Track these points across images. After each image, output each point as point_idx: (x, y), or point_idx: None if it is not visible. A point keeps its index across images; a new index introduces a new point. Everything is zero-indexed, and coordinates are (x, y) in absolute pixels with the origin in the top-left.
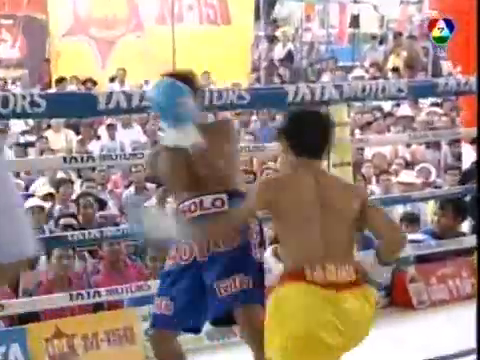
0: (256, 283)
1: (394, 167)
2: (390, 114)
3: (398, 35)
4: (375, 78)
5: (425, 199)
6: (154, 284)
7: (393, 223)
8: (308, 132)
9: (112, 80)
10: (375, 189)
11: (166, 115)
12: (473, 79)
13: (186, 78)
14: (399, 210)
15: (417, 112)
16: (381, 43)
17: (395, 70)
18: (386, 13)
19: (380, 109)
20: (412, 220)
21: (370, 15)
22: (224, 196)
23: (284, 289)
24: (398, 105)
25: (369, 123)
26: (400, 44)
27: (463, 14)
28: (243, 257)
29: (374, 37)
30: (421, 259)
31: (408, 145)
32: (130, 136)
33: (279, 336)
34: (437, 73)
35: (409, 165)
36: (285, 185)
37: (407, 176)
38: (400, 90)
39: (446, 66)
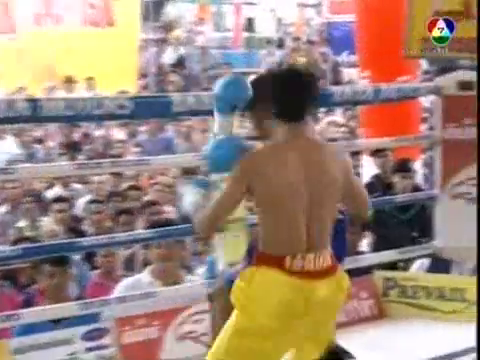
0: None
1: None
2: None
3: (296, 40)
4: None
5: None
6: (28, 313)
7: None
8: (288, 91)
9: None
10: None
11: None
12: (371, 89)
13: None
14: None
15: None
16: (278, 48)
17: None
18: (283, 16)
19: None
20: None
21: (266, 18)
22: None
23: (260, 274)
24: None
25: None
26: (298, 49)
27: (371, 17)
28: None
29: (270, 41)
30: None
31: None
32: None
33: (246, 319)
34: (337, 81)
35: None
36: (267, 160)
37: None
38: None
39: (347, 73)
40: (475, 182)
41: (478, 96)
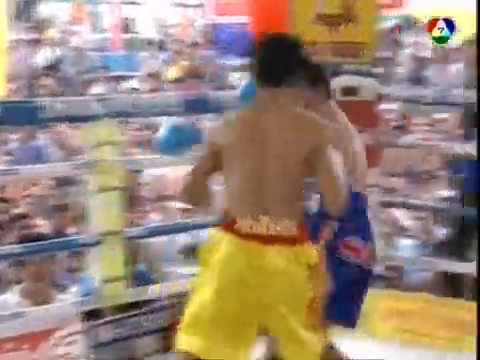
0: None
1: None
2: None
3: (179, 42)
4: (153, 90)
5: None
6: None
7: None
8: (260, 56)
9: None
10: (154, 216)
11: None
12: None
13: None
14: (181, 238)
15: None
16: (160, 50)
17: (176, 81)
18: (165, 17)
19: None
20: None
21: (147, 19)
22: None
23: (213, 233)
24: None
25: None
26: (181, 52)
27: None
28: None
29: (151, 43)
30: None
31: None
32: None
33: (204, 276)
34: (222, 85)
35: None
36: (232, 123)
37: None
38: (177, 105)
39: (233, 77)
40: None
41: (478, 97)
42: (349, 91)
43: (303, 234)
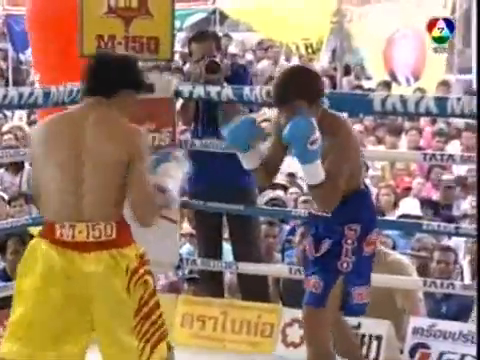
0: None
1: None
2: None
3: None
4: None
5: None
6: None
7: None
8: (87, 68)
9: None
10: None
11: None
12: (40, 91)
13: None
14: None
15: None
16: None
17: None
18: None
19: None
20: None
21: None
22: None
23: (34, 242)
24: None
25: None
26: None
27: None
28: None
29: None
30: None
31: None
32: None
33: (17, 284)
34: (19, 80)
35: None
36: (49, 127)
37: None
38: None
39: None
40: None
41: (478, 97)
42: (147, 88)
43: (124, 237)
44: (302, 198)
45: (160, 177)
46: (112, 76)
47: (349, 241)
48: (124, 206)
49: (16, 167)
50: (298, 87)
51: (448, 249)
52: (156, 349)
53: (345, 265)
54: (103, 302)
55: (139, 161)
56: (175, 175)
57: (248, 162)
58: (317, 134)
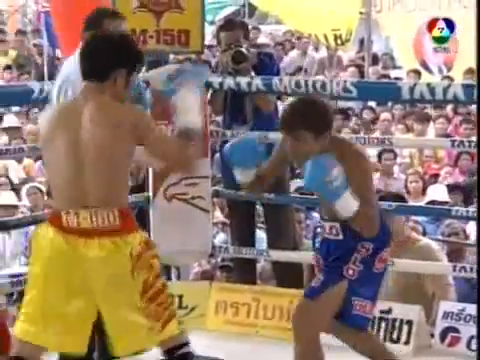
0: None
1: None
2: None
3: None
4: None
5: None
6: None
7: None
8: (85, 52)
9: None
10: None
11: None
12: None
13: None
14: None
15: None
16: None
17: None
18: None
19: None
20: None
21: None
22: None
23: (40, 229)
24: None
25: None
26: (5, 41)
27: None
28: None
29: None
30: None
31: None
32: None
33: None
34: (54, 76)
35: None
36: (52, 117)
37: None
38: None
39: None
40: (192, 181)
41: (478, 98)
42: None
43: (127, 223)
44: None
45: (178, 95)
46: (101, 58)
47: (360, 253)
48: (126, 194)
49: None
50: (306, 119)
51: None
52: (167, 326)
53: (351, 272)
54: (107, 284)
55: (150, 133)
56: (192, 88)
57: (246, 177)
58: (334, 169)
